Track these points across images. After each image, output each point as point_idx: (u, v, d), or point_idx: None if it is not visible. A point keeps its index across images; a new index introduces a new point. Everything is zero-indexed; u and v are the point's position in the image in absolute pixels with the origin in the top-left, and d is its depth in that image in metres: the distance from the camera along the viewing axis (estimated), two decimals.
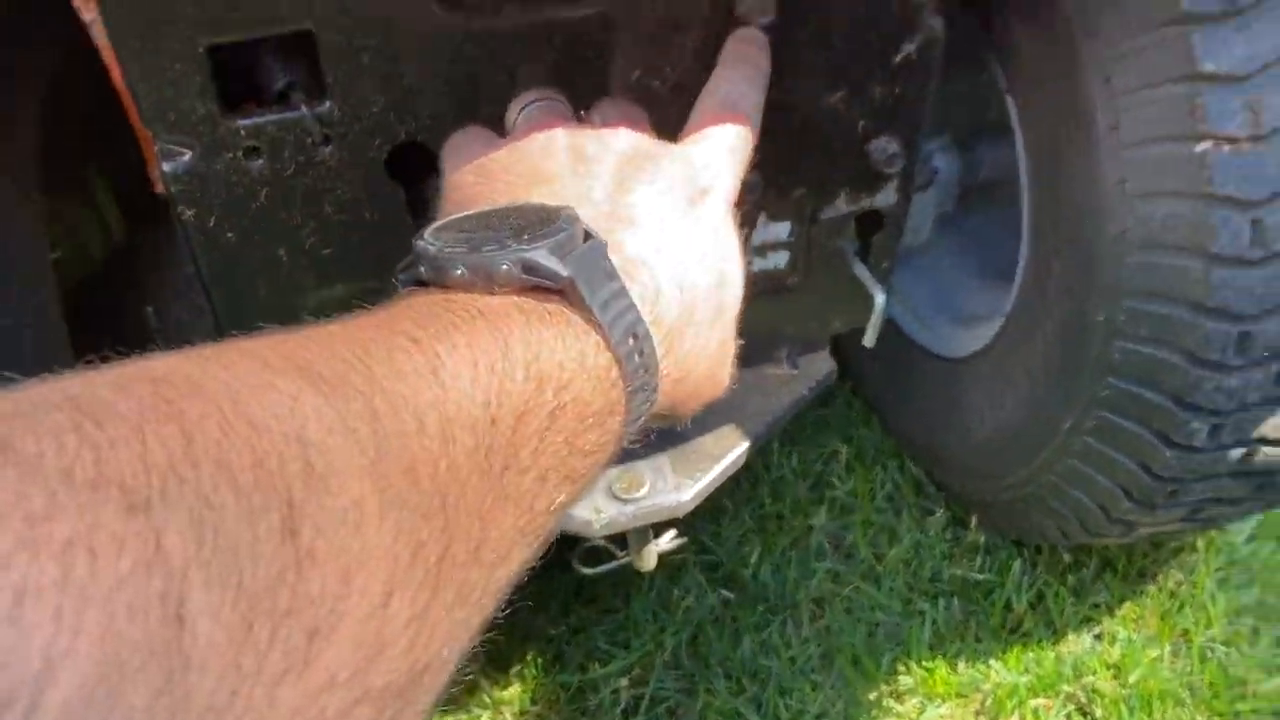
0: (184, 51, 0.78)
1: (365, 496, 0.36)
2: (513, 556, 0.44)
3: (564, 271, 0.48)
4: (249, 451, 0.32)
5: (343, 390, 0.37)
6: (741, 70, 0.72)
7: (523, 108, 0.72)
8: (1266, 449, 1.09)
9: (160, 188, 1.40)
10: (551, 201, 0.56)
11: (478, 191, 0.62)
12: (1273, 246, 0.96)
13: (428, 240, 0.52)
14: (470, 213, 0.56)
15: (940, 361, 1.44)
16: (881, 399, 1.63)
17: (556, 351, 0.47)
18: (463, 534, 0.40)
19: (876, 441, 1.62)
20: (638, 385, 0.51)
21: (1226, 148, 0.94)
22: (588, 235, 0.52)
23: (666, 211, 0.59)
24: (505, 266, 0.48)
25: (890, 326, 1.54)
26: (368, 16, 0.80)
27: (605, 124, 0.66)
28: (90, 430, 0.29)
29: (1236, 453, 1.09)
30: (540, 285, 0.49)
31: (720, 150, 0.65)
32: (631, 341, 0.50)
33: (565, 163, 0.61)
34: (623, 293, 0.51)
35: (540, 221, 0.51)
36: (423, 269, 0.51)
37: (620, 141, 0.63)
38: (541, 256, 0.49)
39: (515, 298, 0.48)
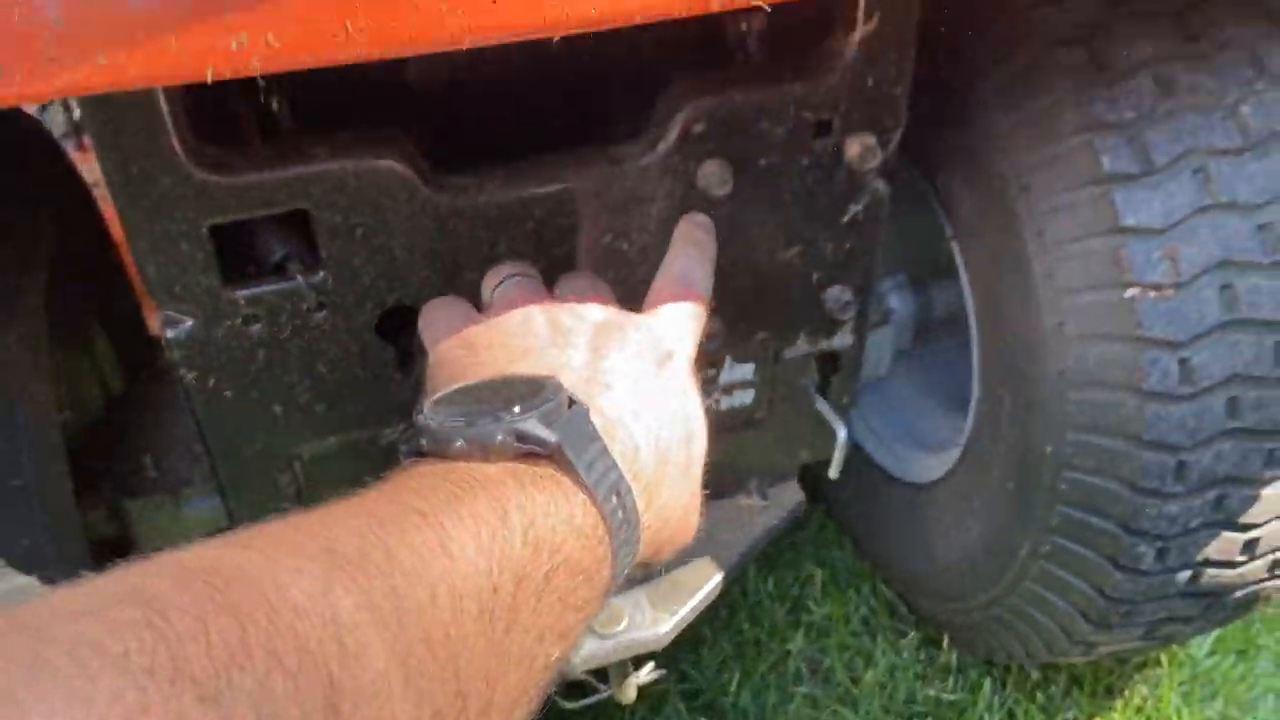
0: (189, 231, 0.85)
1: (391, 669, 0.41)
2: (517, 713, 0.49)
3: (552, 438, 0.54)
4: (292, 636, 0.38)
5: (365, 569, 0.43)
6: (692, 250, 0.79)
7: (499, 282, 0.79)
8: (1211, 570, 1.15)
9: (157, 333, 1.47)
10: (534, 372, 0.63)
11: (466, 365, 0.68)
12: (1200, 383, 1.03)
13: (428, 415, 0.58)
14: (463, 386, 0.62)
15: (907, 487, 1.50)
16: (853, 523, 1.68)
17: (549, 515, 0.52)
18: (474, 696, 0.45)
19: (850, 564, 1.66)
20: (622, 540, 0.56)
21: (1152, 294, 1.02)
22: (571, 401, 0.58)
23: (638, 375, 0.65)
24: (501, 438, 0.54)
25: (858, 453, 1.60)
26: (360, 197, 0.88)
27: (576, 297, 0.73)
28: (160, 625, 0.35)
29: (1184, 574, 1.15)
30: (531, 451, 0.54)
31: (681, 320, 0.72)
32: (615, 499, 0.56)
33: (545, 336, 0.67)
34: (605, 453, 0.57)
35: (529, 393, 0.57)
36: (424, 442, 0.57)
37: (593, 313, 0.70)
38: (532, 426, 0.54)
39: (509, 464, 0.54)
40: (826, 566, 1.66)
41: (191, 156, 0.81)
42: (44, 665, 0.32)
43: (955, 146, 1.17)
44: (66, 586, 0.37)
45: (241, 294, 0.91)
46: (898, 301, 1.43)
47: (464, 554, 0.47)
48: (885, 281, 1.45)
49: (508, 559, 0.48)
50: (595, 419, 0.58)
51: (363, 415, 1.02)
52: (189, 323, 0.91)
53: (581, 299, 0.73)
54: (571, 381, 0.61)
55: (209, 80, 0.60)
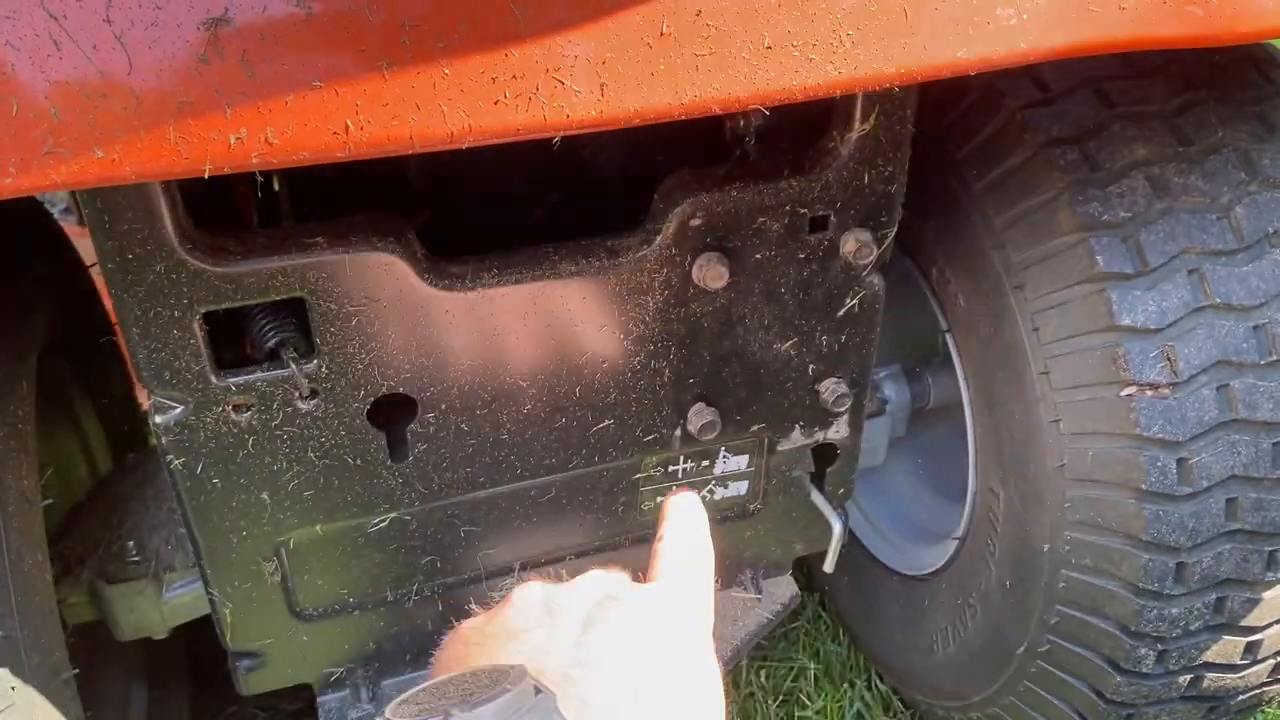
0: (182, 318, 0.85)
1: None
2: None
3: None
4: None
5: None
6: (685, 521, 0.73)
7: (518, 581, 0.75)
8: (1213, 674, 1.13)
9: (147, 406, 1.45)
10: (519, 654, 0.59)
11: (454, 655, 0.64)
12: (1199, 483, 1.02)
13: (386, 716, 0.53)
14: (428, 684, 0.58)
15: (903, 578, 1.48)
16: (849, 614, 1.65)
17: None
18: None
19: (844, 657, 1.63)
20: None
21: (1149, 393, 1.02)
22: (538, 690, 0.53)
23: (635, 651, 0.60)
24: None
25: (854, 543, 1.59)
26: (358, 285, 0.87)
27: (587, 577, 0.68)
28: None
29: (1185, 678, 1.13)
30: None
31: (691, 580, 0.67)
32: None
33: (535, 616, 0.63)
34: None
35: (487, 685, 0.53)
36: None
37: (591, 587, 0.65)
38: None
39: None
40: (821, 660, 1.63)
41: (187, 244, 0.81)
42: None
43: (949, 241, 1.18)
44: None
45: (233, 381, 0.90)
46: (893, 391, 1.43)
47: None
48: (880, 371, 1.45)
49: None
50: (571, 706, 0.53)
51: (351, 503, 1.00)
52: (178, 409, 0.90)
53: (587, 576, 0.67)
54: (554, 665, 0.57)
55: (205, 176, 0.60)
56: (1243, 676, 1.14)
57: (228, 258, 0.83)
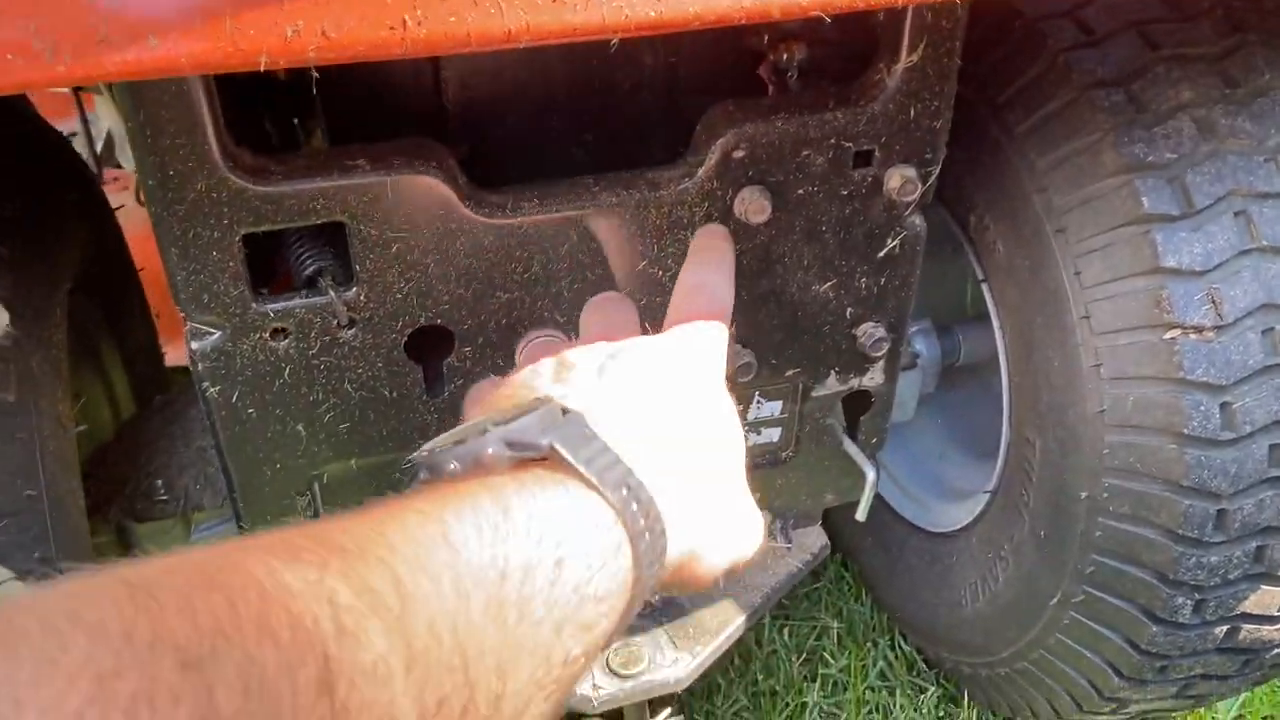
0: (222, 239, 0.84)
1: (392, 652, 0.39)
2: (531, 710, 0.47)
3: (544, 440, 0.52)
4: (285, 614, 0.36)
5: (365, 558, 0.42)
6: (709, 259, 0.78)
7: (524, 346, 0.78)
8: (1250, 625, 1.12)
9: (170, 361, 1.45)
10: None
11: (472, 413, 0.65)
12: (1242, 428, 1.01)
13: (422, 450, 0.56)
14: (454, 430, 0.59)
15: (929, 535, 1.47)
16: (873, 573, 1.64)
17: (552, 509, 0.50)
18: (483, 686, 0.43)
19: (868, 617, 1.63)
20: (640, 529, 0.53)
21: (1193, 336, 1.01)
22: (566, 411, 0.55)
23: (650, 391, 0.62)
24: (492, 450, 0.52)
25: (879, 502, 1.58)
26: (398, 211, 0.86)
27: (595, 336, 0.70)
28: (143, 599, 0.33)
29: (1221, 628, 1.12)
30: (529, 459, 0.52)
31: (701, 332, 0.70)
32: (625, 491, 0.53)
33: (549, 375, 0.64)
34: (606, 450, 0.54)
35: (517, 410, 0.55)
36: (422, 475, 0.54)
37: (602, 346, 0.66)
38: (520, 433, 0.53)
39: (509, 473, 0.52)
40: (844, 619, 1.62)
41: (228, 161, 0.80)
42: (16, 631, 0.31)
43: (989, 188, 1.16)
44: (63, 578, 0.36)
45: (271, 307, 0.89)
46: (924, 346, 1.41)
47: (467, 545, 0.45)
48: (912, 326, 1.44)
49: (513, 549, 0.47)
50: (597, 427, 0.55)
51: (387, 438, 0.99)
52: (215, 335, 0.89)
53: (598, 332, 0.70)
54: (574, 405, 0.58)
55: (262, 68, 0.59)
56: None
57: (269, 177, 0.82)
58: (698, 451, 0.62)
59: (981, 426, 1.37)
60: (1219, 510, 1.04)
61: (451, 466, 0.53)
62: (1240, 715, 1.51)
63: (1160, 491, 1.05)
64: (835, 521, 1.52)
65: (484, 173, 0.93)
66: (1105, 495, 1.09)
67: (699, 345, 0.69)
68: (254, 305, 0.88)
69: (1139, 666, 1.16)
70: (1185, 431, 1.02)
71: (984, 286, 1.24)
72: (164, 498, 1.18)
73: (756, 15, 0.65)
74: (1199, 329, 1.00)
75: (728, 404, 0.67)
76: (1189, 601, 1.09)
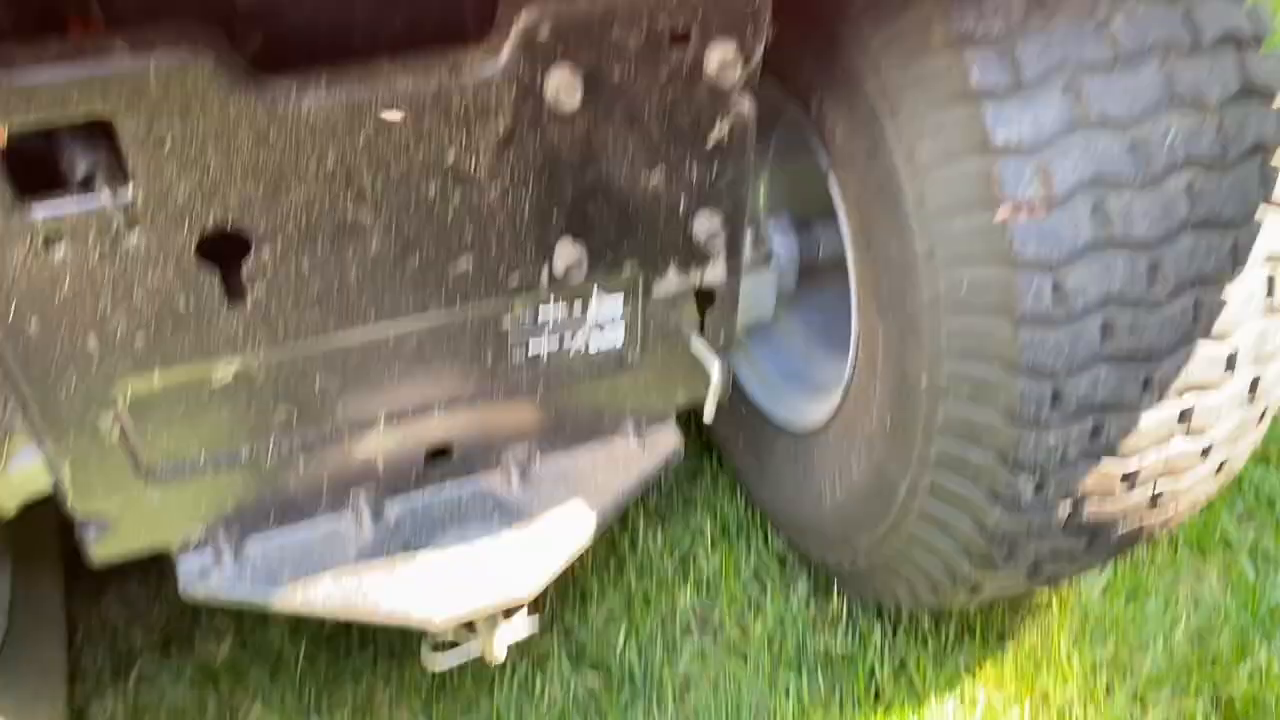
0: None
1: None
2: None
3: None
4: None
5: None
6: None
7: None
8: (1092, 504, 1.12)
9: None
10: None
11: None
12: (1074, 306, 1.00)
13: None
14: None
15: (793, 434, 1.47)
16: (744, 473, 1.64)
17: None
18: None
19: (741, 516, 1.62)
20: None
21: (1024, 214, 0.99)
22: None
23: None
24: None
25: (748, 403, 1.56)
26: (169, 101, 0.80)
27: None
28: None
29: (1064, 508, 1.12)
30: None
31: None
32: None
33: None
34: None
35: None
36: None
37: None
38: None
39: None
40: (718, 519, 1.62)
41: None
42: None
43: (828, 70, 1.12)
44: None
45: (41, 214, 0.82)
46: (780, 243, 1.39)
47: None
48: (768, 223, 1.41)
49: None
50: None
51: (188, 349, 0.94)
52: None
53: None
54: None
55: None
56: (1121, 505, 1.14)
57: (17, 67, 0.75)
58: None
59: (842, 324, 1.36)
60: (1054, 390, 1.03)
61: None
62: (1106, 588, 1.54)
63: (997, 373, 1.04)
64: (711, 427, 1.51)
65: (274, 52, 0.87)
66: (945, 381, 1.08)
67: None
68: (20, 211, 0.81)
69: (987, 550, 1.17)
70: (1018, 311, 1.00)
71: (830, 177, 1.21)
72: None
73: None
74: (1030, 206, 0.98)
75: None
76: (1030, 482, 1.09)
